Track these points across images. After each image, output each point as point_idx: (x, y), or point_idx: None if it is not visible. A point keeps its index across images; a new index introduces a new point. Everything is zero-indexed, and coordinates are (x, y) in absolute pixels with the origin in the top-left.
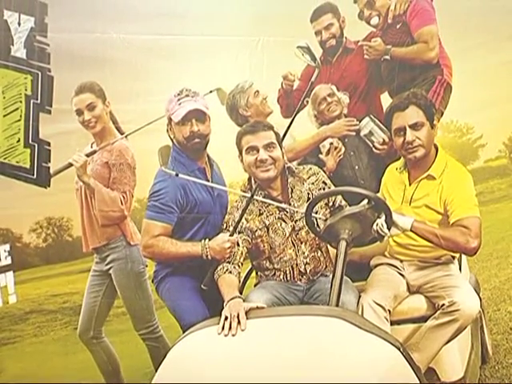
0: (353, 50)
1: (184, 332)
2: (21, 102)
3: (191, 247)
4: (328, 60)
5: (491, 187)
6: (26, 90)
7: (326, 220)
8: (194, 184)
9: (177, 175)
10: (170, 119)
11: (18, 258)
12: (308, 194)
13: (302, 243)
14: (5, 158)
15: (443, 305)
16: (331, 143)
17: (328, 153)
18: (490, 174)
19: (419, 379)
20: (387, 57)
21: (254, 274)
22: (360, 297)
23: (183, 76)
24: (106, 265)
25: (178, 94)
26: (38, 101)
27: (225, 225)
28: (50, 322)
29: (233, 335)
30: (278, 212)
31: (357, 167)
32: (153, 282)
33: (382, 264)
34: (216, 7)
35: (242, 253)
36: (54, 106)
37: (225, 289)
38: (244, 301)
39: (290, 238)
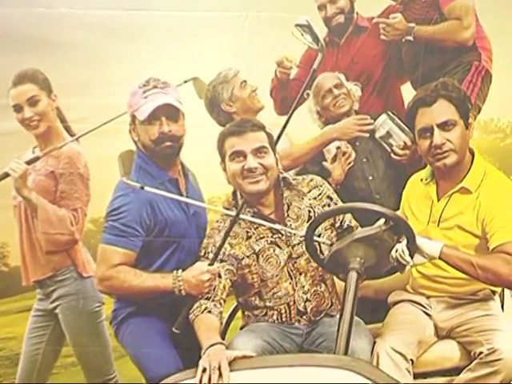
0: (366, 29)
1: None
2: None
3: (160, 280)
4: (335, 41)
5: None
6: None
7: (331, 245)
8: (164, 199)
9: (142, 188)
10: (133, 117)
11: None
12: (309, 211)
13: (300, 274)
14: None
15: (481, 353)
16: (338, 147)
17: (334, 159)
18: None
19: None
20: (410, 37)
21: (239, 313)
22: (375, 343)
23: (151, 62)
24: (52, 302)
25: (144, 85)
26: None
27: (203, 251)
28: None
29: None
30: (270, 235)
31: (371, 178)
32: (111, 323)
33: (402, 301)
34: None
35: (224, 287)
36: None
37: (203, 333)
38: (227, 348)
39: (285, 268)
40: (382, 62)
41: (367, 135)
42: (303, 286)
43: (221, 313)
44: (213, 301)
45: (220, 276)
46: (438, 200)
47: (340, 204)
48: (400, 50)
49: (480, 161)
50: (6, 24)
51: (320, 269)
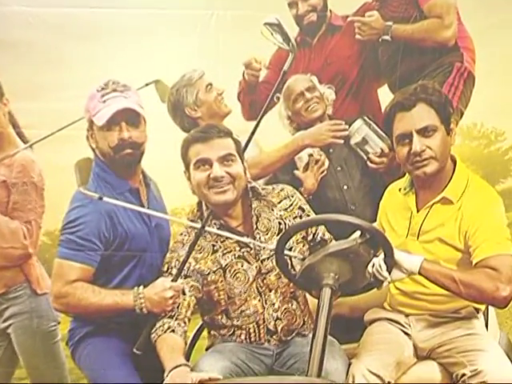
0: (340, 28)
1: None
2: None
3: (120, 297)
4: (306, 41)
5: None
6: None
7: (303, 259)
8: (124, 211)
9: (100, 199)
10: (91, 122)
11: None
12: (279, 223)
13: (270, 291)
14: None
15: (464, 375)
16: (311, 155)
17: (306, 168)
18: None
19: None
20: (387, 37)
21: (205, 333)
22: (350, 364)
23: (110, 64)
24: (4, 321)
25: (103, 89)
26: None
27: (166, 266)
28: None
29: None
30: (238, 249)
31: (345, 187)
32: (67, 344)
33: (380, 319)
34: None
35: (189, 304)
36: None
37: (166, 353)
38: (192, 370)
39: (254, 284)
40: (358, 64)
41: (341, 142)
42: (273, 304)
43: (185, 332)
44: (176, 319)
45: (184, 293)
46: (418, 211)
47: (312, 215)
48: (376, 50)
49: (462, 169)
50: None
51: (291, 285)
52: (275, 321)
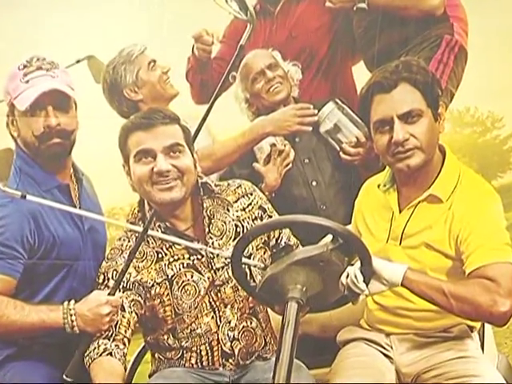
0: None
1: None
2: None
3: (47, 314)
4: (267, 10)
5: None
6: None
7: (264, 269)
8: (52, 212)
9: (23, 197)
10: (11, 106)
11: None
12: (236, 226)
13: (226, 306)
14: None
15: None
16: (273, 145)
17: (268, 161)
18: None
19: None
20: (363, 5)
21: (148, 356)
22: None
23: (34, 37)
24: None
25: (25, 66)
26: None
27: (101, 277)
28: None
29: None
30: (187, 256)
31: (314, 183)
32: None
33: (355, 340)
34: None
35: (129, 322)
36: None
37: (102, 380)
38: None
39: (206, 299)
40: (328, 37)
41: (309, 129)
42: (229, 322)
43: (124, 355)
44: (114, 340)
45: (123, 309)
46: (400, 211)
47: (275, 217)
48: (351, 20)
49: (453, 161)
50: None
51: (250, 299)
52: (231, 341)
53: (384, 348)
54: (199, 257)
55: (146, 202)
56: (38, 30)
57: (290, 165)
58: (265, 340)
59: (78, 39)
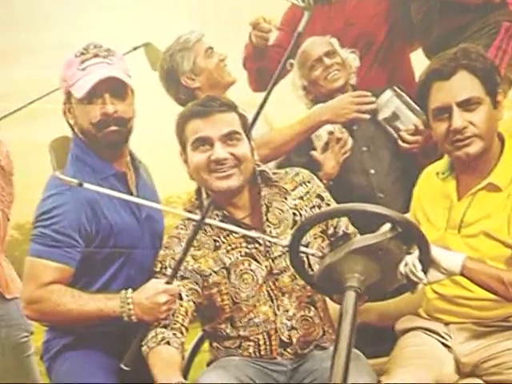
0: None
1: None
2: None
3: (104, 302)
4: None
5: None
6: None
7: (322, 257)
8: (109, 200)
9: (80, 185)
10: (68, 94)
11: None
12: (294, 214)
13: (283, 295)
14: None
15: None
16: (331, 133)
17: (326, 148)
18: None
19: None
20: None
21: (206, 345)
22: (379, 382)
23: (91, 25)
24: None
25: (82, 54)
26: None
27: (159, 266)
28: None
29: None
30: (245, 245)
31: (372, 171)
32: (42, 358)
33: (414, 329)
34: None
35: (186, 311)
36: None
37: (159, 370)
38: None
39: (264, 287)
40: (386, 24)
41: (368, 117)
42: (287, 311)
43: (182, 344)
44: (172, 329)
45: (181, 297)
46: (459, 200)
47: (333, 205)
48: (408, 7)
49: None
50: None
51: (308, 288)
52: (289, 331)
53: (443, 337)
54: (257, 245)
55: (203, 190)
56: (95, 18)
57: (348, 153)
58: (323, 329)
59: (135, 26)
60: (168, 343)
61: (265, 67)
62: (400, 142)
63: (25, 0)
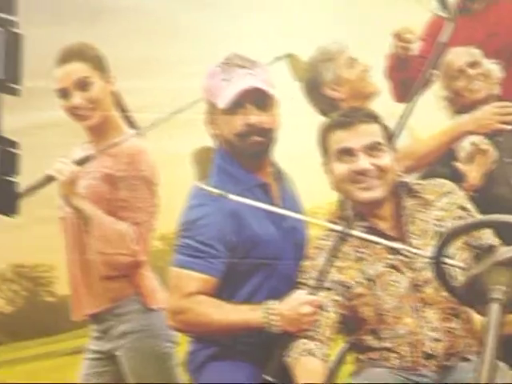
0: None
1: None
2: None
3: (248, 313)
4: (468, 7)
5: None
6: None
7: (466, 269)
8: (253, 211)
9: (225, 196)
10: (211, 104)
11: None
12: (437, 226)
13: (427, 307)
14: None
15: None
16: (474, 144)
17: (470, 159)
18: None
19: None
20: None
21: (350, 356)
22: None
23: (232, 35)
24: (110, 343)
25: (225, 64)
26: None
27: (302, 277)
28: None
29: None
30: (388, 256)
31: None
32: (186, 369)
33: None
34: None
35: (330, 323)
36: (24, 83)
37: (304, 380)
38: None
39: (408, 299)
40: None
41: (511, 128)
42: (431, 322)
43: (326, 355)
44: (315, 340)
45: (324, 309)
46: None
47: (477, 216)
48: None
49: None
50: None
51: (452, 300)
52: (433, 342)
53: None
54: (400, 257)
55: (346, 201)
56: (237, 28)
57: (492, 164)
58: (467, 341)
59: (277, 37)
60: (312, 354)
61: (408, 78)
62: None
63: (163, 10)
